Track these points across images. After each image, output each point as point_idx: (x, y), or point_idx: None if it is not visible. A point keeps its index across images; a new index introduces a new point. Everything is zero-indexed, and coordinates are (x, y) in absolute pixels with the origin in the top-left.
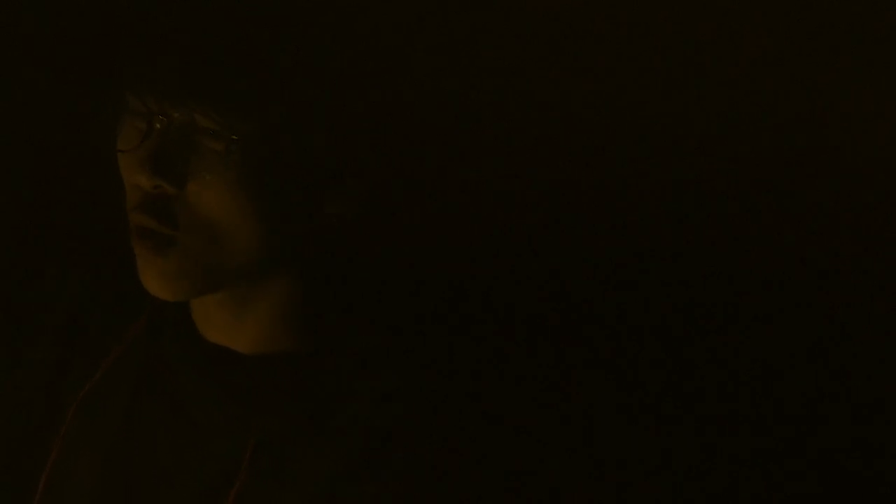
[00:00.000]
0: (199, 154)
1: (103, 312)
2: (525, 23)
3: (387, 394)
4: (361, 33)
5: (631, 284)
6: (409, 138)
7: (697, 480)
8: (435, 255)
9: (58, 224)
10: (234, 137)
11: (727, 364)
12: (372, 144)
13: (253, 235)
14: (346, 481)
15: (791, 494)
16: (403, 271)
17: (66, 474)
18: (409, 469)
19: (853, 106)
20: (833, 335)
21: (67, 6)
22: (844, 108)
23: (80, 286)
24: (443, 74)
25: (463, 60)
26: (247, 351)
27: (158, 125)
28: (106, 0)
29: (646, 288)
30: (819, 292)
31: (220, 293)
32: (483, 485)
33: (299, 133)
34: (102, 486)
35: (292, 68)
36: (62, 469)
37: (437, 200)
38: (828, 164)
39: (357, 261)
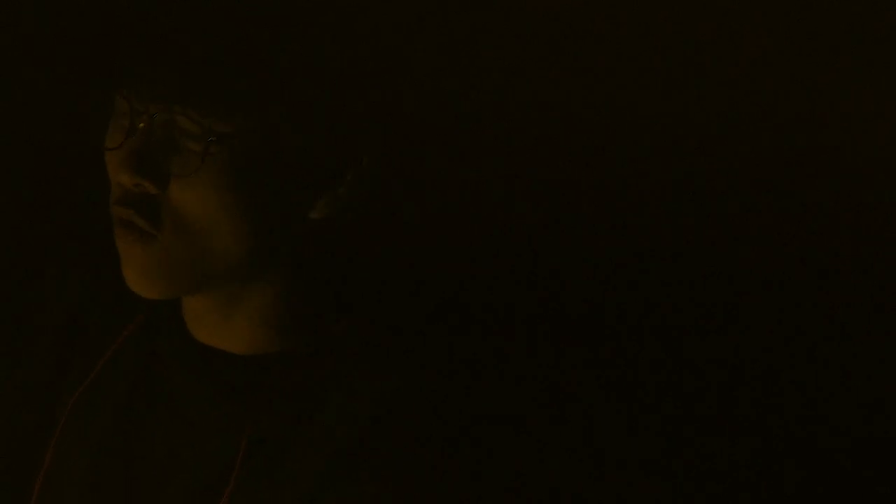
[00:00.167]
0: (180, 154)
1: (103, 312)
2: (525, 23)
3: (380, 392)
4: (360, 33)
5: (631, 284)
6: (409, 138)
7: (697, 480)
8: (435, 255)
9: (58, 224)
10: (212, 139)
11: (727, 364)
12: (355, 146)
13: (234, 236)
14: (340, 478)
15: (791, 494)
16: (402, 271)
17: (62, 474)
18: (404, 467)
19: (853, 106)
20: (833, 335)
21: (67, 6)
22: (844, 108)
23: (80, 286)
24: (443, 74)
25: (463, 60)
26: (237, 351)
27: (141, 124)
28: (101, 1)
29: (646, 288)
30: (819, 292)
31: (208, 294)
32: (481, 484)
33: (280, 135)
34: (98, 485)
35: (273, 70)
36: (58, 468)
37: (437, 200)
38: (828, 164)
39: (351, 261)
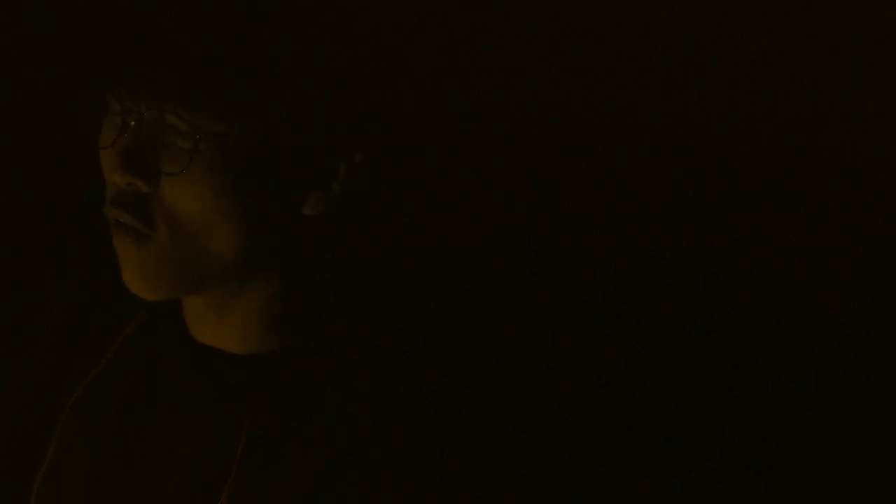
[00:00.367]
0: (171, 153)
1: (103, 312)
2: (525, 23)
3: (380, 391)
4: (360, 33)
5: (631, 284)
6: (409, 138)
7: (697, 480)
8: (435, 254)
9: (58, 224)
10: (199, 137)
11: (727, 364)
12: (350, 143)
13: (229, 235)
14: (340, 477)
15: (791, 494)
16: (402, 271)
17: (63, 471)
18: (404, 467)
19: (853, 106)
20: (833, 335)
21: (67, 6)
22: (844, 108)
23: (80, 286)
24: (443, 74)
25: (463, 60)
26: (236, 350)
27: (132, 123)
28: (101, 2)
29: (645, 288)
30: (819, 292)
31: (206, 293)
32: (481, 484)
33: (272, 133)
34: (99, 484)
35: (266, 68)
36: (59, 467)
37: (437, 200)
38: (828, 164)
39: (350, 260)
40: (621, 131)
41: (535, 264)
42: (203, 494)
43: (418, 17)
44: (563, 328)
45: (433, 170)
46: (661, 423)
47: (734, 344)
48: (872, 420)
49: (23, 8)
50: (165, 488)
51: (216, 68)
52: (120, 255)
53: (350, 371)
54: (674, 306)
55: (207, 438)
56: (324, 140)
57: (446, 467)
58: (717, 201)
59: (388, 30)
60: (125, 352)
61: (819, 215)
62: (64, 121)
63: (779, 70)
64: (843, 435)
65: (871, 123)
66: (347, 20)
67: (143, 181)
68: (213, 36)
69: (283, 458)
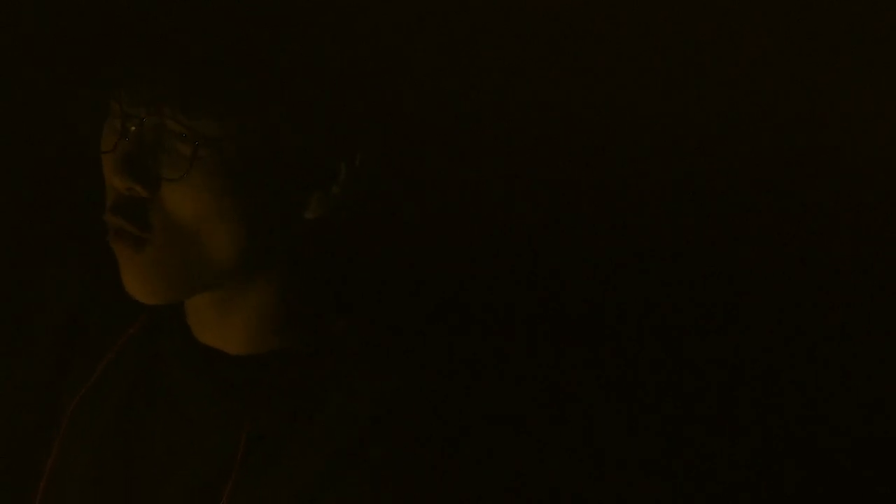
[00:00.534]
0: (171, 158)
1: (103, 313)
2: (525, 23)
3: (380, 391)
4: (360, 33)
5: (631, 284)
6: (409, 138)
7: (697, 480)
8: (435, 254)
9: (58, 224)
10: (199, 142)
11: (727, 364)
12: (350, 145)
13: (229, 239)
14: (340, 477)
15: (791, 494)
16: (402, 271)
17: (65, 473)
18: (403, 467)
19: (853, 106)
20: (833, 335)
21: (67, 6)
22: (844, 108)
23: (80, 286)
24: (443, 74)
25: (463, 60)
26: (237, 350)
27: (132, 127)
28: (100, 2)
29: (646, 288)
30: (819, 292)
31: (207, 295)
32: (481, 484)
33: (272, 136)
34: (100, 483)
35: (268, 70)
36: (62, 468)
37: (437, 200)
38: (828, 164)
39: (350, 260)
40: (621, 131)
41: (535, 264)
42: (204, 494)
43: (418, 17)
44: (563, 328)
45: (433, 170)
46: (661, 423)
47: (734, 344)
48: (872, 420)
49: (23, 8)
50: (166, 489)
51: (216, 68)
52: (120, 261)
53: (350, 371)
54: (674, 306)
55: (208, 439)
56: (324, 141)
57: (446, 467)
58: (717, 201)
59: (388, 30)
60: (127, 353)
61: (819, 215)
62: (64, 121)
63: (779, 70)
64: (843, 435)
65: (871, 123)
66: (347, 20)
67: (142, 186)
68: (213, 36)
69: (284, 459)
